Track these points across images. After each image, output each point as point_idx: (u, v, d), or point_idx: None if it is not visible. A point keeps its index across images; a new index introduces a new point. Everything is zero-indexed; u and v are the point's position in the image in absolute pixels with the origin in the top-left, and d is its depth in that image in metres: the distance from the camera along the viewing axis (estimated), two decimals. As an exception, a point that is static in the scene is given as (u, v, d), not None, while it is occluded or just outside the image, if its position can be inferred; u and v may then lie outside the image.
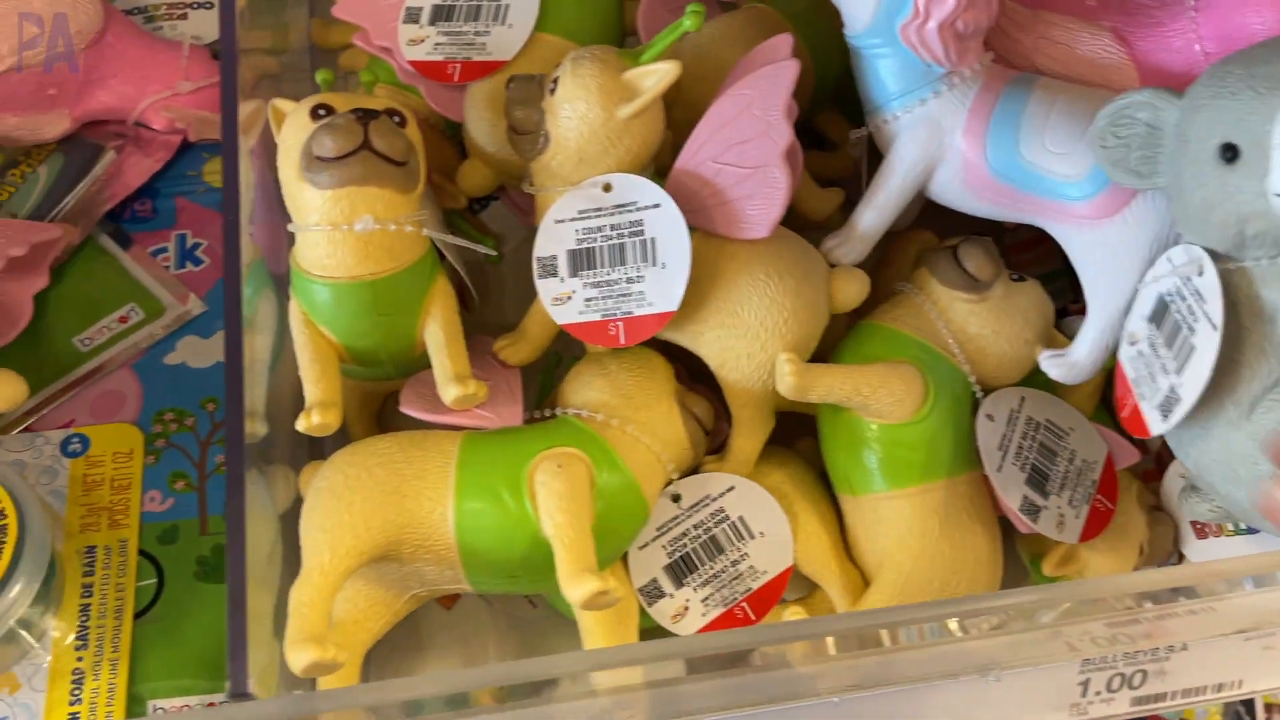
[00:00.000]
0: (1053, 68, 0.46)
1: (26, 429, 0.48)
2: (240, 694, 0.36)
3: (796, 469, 0.48)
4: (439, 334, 0.44)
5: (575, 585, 0.38)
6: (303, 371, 0.44)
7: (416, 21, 0.53)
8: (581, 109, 0.43)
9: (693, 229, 0.43)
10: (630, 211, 0.43)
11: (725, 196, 0.44)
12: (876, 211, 0.46)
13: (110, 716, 0.42)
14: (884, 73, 0.45)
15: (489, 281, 0.55)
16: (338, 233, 0.42)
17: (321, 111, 0.43)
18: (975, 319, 0.46)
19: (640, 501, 0.43)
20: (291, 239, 0.45)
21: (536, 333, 0.46)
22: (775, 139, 0.43)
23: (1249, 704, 0.87)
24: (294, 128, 0.43)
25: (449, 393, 0.43)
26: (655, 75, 0.43)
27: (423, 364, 0.47)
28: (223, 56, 0.45)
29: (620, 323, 0.43)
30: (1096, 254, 0.43)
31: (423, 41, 0.53)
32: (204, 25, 0.60)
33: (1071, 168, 0.43)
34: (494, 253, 0.47)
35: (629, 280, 0.43)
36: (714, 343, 0.44)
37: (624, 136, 0.43)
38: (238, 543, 0.38)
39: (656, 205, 0.43)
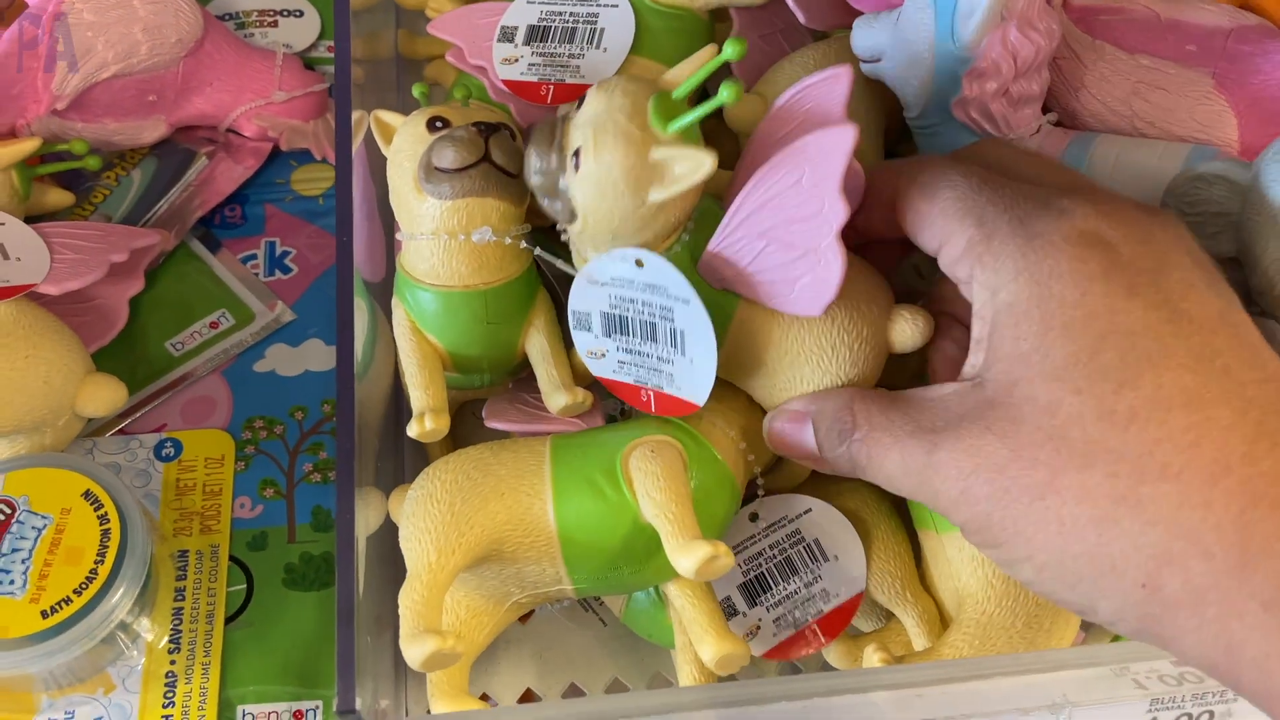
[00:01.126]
0: (1150, 112, 0.46)
1: (120, 431, 0.49)
2: (348, 711, 0.36)
3: (872, 496, 0.48)
4: (543, 343, 0.45)
5: (686, 553, 0.38)
6: (410, 379, 0.45)
7: (511, 41, 0.53)
8: (610, 196, 0.38)
9: (736, 297, 0.40)
10: (661, 295, 0.40)
11: (771, 276, 0.40)
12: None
13: (202, 718, 0.43)
14: (946, 149, 0.45)
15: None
16: (454, 242, 0.43)
17: (439, 124, 0.43)
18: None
19: (732, 487, 0.43)
20: (392, 249, 0.46)
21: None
22: (829, 219, 0.37)
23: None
24: (410, 139, 0.44)
25: (556, 401, 0.44)
26: (688, 164, 0.37)
27: (518, 373, 0.48)
28: (337, 67, 0.46)
29: (651, 393, 0.42)
30: None
31: (516, 61, 0.53)
32: (293, 33, 0.61)
33: None
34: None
35: (660, 359, 0.41)
36: (773, 399, 0.43)
37: (658, 215, 0.39)
38: (348, 554, 0.39)
39: (685, 301, 0.39)
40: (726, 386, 0.45)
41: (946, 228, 0.35)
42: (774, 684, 0.46)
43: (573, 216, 0.39)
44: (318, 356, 0.52)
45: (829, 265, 0.38)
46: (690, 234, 0.40)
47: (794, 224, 0.38)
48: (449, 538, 0.41)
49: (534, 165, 0.39)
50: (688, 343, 0.39)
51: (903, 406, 0.35)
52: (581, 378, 0.46)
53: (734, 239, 0.39)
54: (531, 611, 0.51)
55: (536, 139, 0.39)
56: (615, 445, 0.42)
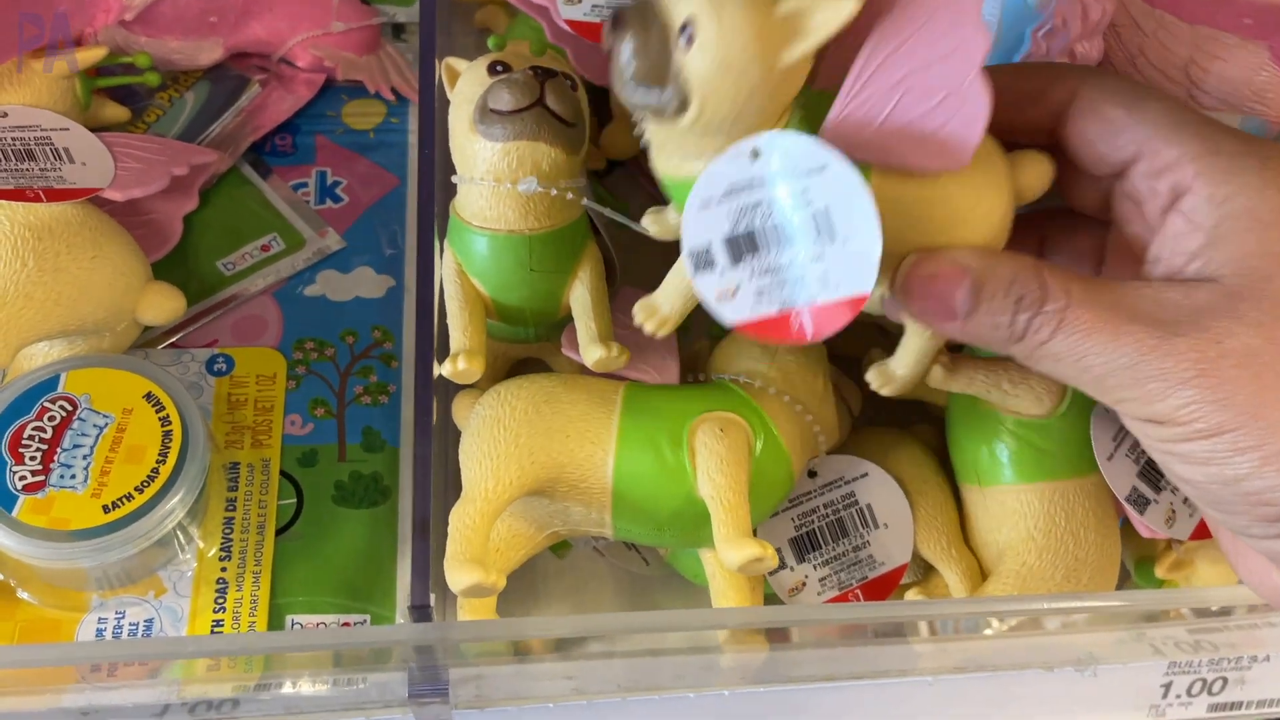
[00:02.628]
0: (1207, 81, 0.47)
1: (173, 345, 0.49)
2: (421, 606, 0.37)
3: (917, 452, 0.49)
4: (586, 296, 0.45)
5: (735, 549, 0.39)
6: (451, 319, 0.45)
7: (575, -19, 0.54)
8: (736, 67, 0.33)
9: (868, 167, 0.36)
10: (791, 177, 0.34)
11: (908, 129, 0.35)
12: None
13: (253, 626, 0.43)
14: None
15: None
16: (501, 187, 0.43)
17: (499, 68, 0.44)
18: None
19: (789, 473, 0.44)
20: (450, 191, 0.46)
21: (678, 307, 0.41)
22: (971, 52, 0.34)
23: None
24: (470, 82, 0.44)
25: (592, 354, 0.44)
26: (829, 8, 0.33)
27: (560, 328, 0.48)
28: (422, 8, 0.46)
29: (804, 314, 0.35)
30: None
31: (580, 1, 0.54)
32: (347, -31, 0.61)
33: None
34: (650, 229, 0.47)
35: (805, 262, 0.35)
36: None
37: (783, 86, 0.35)
38: (425, 453, 0.39)
39: (822, 168, 0.34)
40: (804, 368, 0.45)
41: (1155, 137, 0.36)
42: (812, 610, 0.47)
43: (683, 105, 0.34)
44: (368, 284, 0.52)
45: (975, 103, 0.34)
46: (799, 115, 0.36)
47: (931, 66, 0.35)
48: (509, 469, 0.41)
49: (629, 51, 0.33)
50: (835, 220, 0.34)
51: (1109, 290, 0.35)
52: (678, 314, 0.40)
53: (862, 98, 0.36)
54: (570, 546, 0.52)
55: (630, 21, 0.33)
56: (686, 413, 0.43)
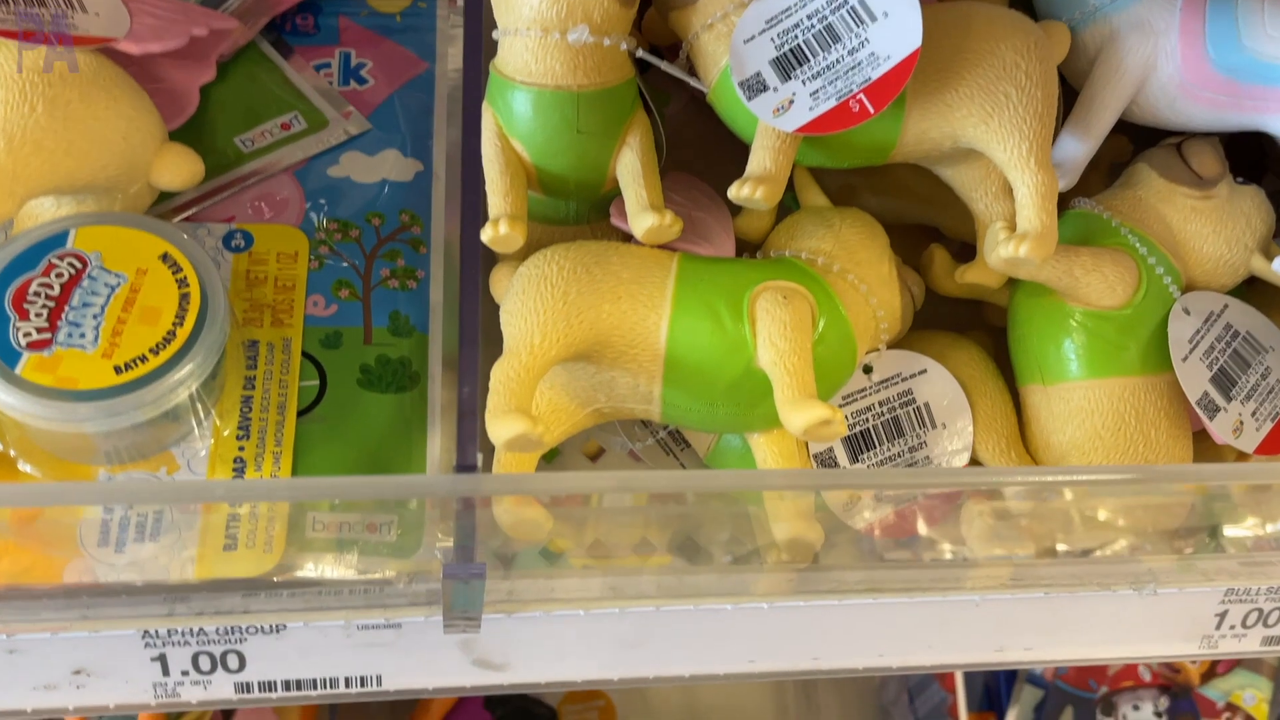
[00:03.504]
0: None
1: (187, 219, 0.46)
2: (468, 466, 0.34)
3: (976, 354, 0.46)
4: (635, 162, 0.42)
5: (800, 411, 0.36)
6: (490, 185, 0.42)
7: None
8: None
9: None
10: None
11: None
12: (1092, 137, 0.45)
13: (271, 509, 0.40)
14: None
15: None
16: (549, 38, 0.40)
17: None
18: (1198, 217, 0.45)
19: (853, 353, 0.41)
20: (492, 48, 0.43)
21: (780, 162, 0.42)
22: None
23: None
24: None
25: (643, 221, 0.41)
26: None
27: (606, 203, 0.45)
28: None
29: (861, 95, 0.40)
30: None
31: None
32: None
33: None
34: (705, 89, 0.45)
35: (852, 51, 0.40)
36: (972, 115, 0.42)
37: None
38: (472, 307, 0.36)
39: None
40: (869, 250, 0.43)
41: None
42: (862, 474, 0.44)
43: None
44: (395, 167, 0.49)
45: None
46: None
47: None
48: (556, 325, 0.38)
49: None
50: (871, 4, 0.40)
51: None
52: (783, 171, 0.42)
53: None
54: (603, 449, 0.49)
55: None
56: (747, 281, 0.40)
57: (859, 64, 0.40)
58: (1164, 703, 0.85)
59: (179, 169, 0.43)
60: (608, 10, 0.40)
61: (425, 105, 0.52)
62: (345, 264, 0.46)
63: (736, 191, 0.41)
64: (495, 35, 0.42)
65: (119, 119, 0.41)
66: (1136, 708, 0.85)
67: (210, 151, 0.48)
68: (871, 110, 0.40)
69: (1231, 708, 0.86)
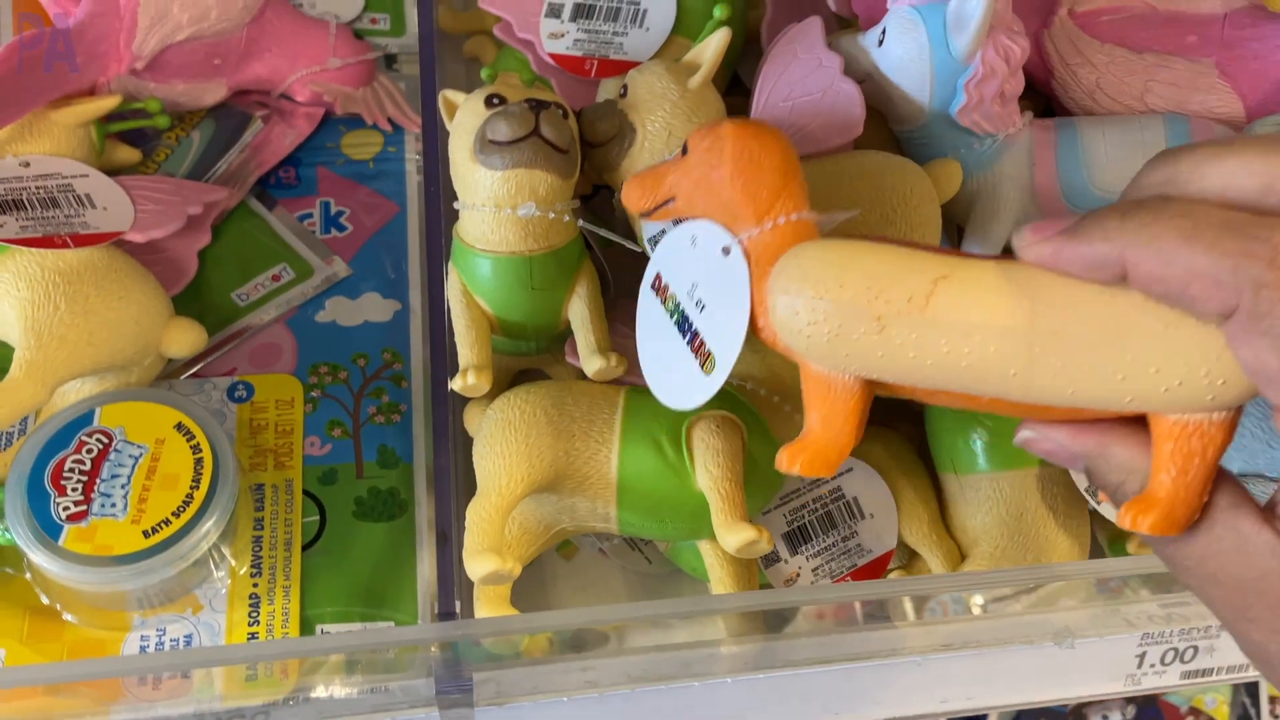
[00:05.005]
0: (1163, 106, 0.50)
1: (194, 375, 0.52)
2: (449, 614, 0.40)
3: (899, 446, 0.52)
4: (584, 310, 0.48)
5: (732, 532, 0.42)
6: (459, 337, 0.48)
7: (558, 17, 0.57)
8: (660, 88, 0.48)
9: None
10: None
11: (808, 122, 0.49)
12: (990, 245, 0.51)
13: (286, 636, 0.46)
14: (939, 154, 0.50)
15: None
16: (502, 213, 0.46)
17: (495, 100, 0.47)
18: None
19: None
20: (454, 216, 0.49)
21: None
22: (829, 64, 0.49)
23: (1254, 695, 0.93)
24: (470, 114, 0.47)
25: (592, 364, 0.47)
26: (713, 43, 0.49)
27: (560, 341, 0.51)
28: (421, 43, 0.49)
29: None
30: None
31: (563, 36, 0.57)
32: (340, 5, 0.64)
33: None
34: (639, 247, 0.51)
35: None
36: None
37: (701, 106, 0.48)
38: (443, 466, 0.42)
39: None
40: (794, 372, 0.49)
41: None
42: (802, 592, 0.50)
43: (633, 135, 0.48)
44: (376, 309, 0.55)
45: (847, 90, 0.48)
46: None
47: (806, 79, 0.49)
48: (520, 466, 0.44)
49: (593, 114, 0.49)
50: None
51: None
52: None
53: (766, 113, 0.50)
54: (576, 549, 0.55)
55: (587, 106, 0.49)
56: (683, 413, 0.46)
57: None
58: (1130, 711, 0.91)
59: (185, 340, 0.49)
60: (551, 186, 0.46)
61: (400, 246, 0.58)
62: (336, 405, 0.52)
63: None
64: (456, 206, 0.48)
65: (131, 305, 0.47)
66: (1105, 718, 0.91)
67: (210, 309, 0.54)
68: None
69: (1195, 711, 0.92)
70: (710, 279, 0.39)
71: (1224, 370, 0.28)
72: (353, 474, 0.51)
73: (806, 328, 0.33)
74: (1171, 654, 0.58)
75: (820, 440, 0.36)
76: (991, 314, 0.30)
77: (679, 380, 0.42)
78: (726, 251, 0.38)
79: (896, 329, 0.31)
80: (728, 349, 0.39)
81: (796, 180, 0.38)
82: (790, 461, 0.36)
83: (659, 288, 0.44)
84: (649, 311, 0.44)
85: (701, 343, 0.40)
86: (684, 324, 0.41)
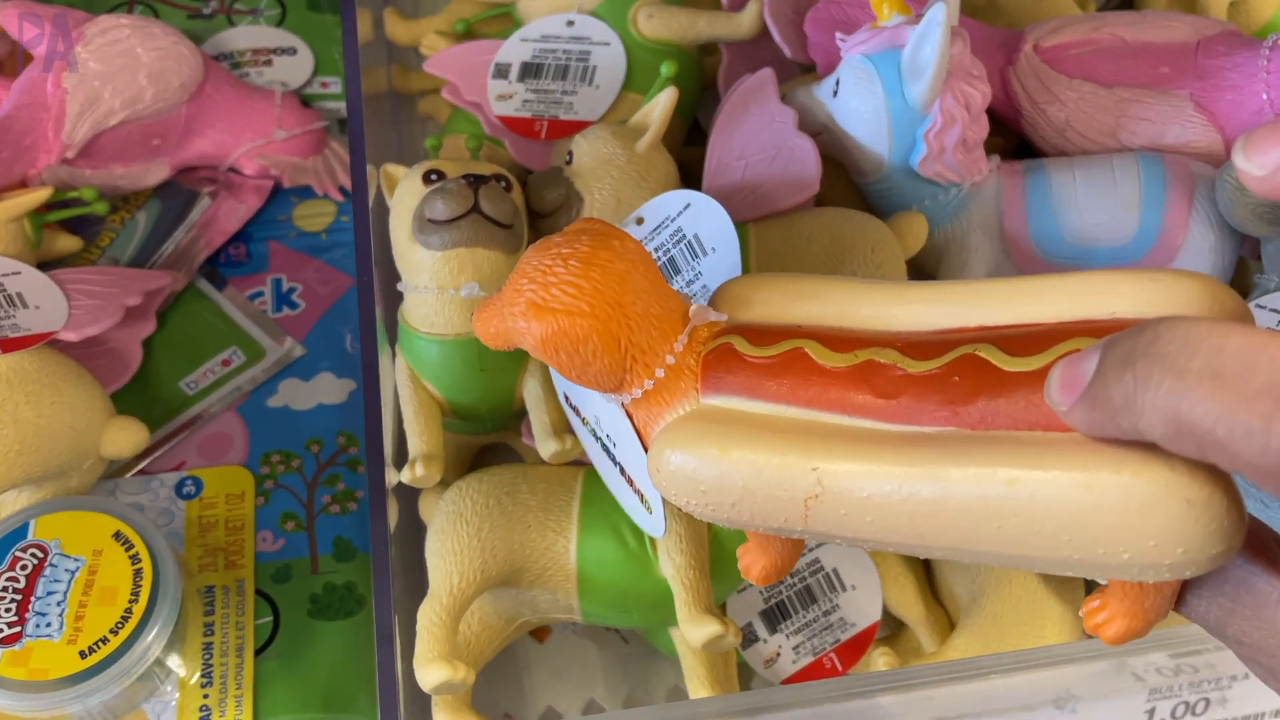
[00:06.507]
0: (1137, 143, 0.48)
1: (141, 472, 0.50)
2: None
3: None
4: (537, 390, 0.46)
5: (697, 626, 0.40)
6: (407, 425, 0.46)
7: (505, 77, 0.55)
8: (606, 154, 0.46)
9: (744, 225, 0.45)
10: (667, 228, 0.43)
11: (762, 181, 0.46)
12: None
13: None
14: (900, 206, 0.48)
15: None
16: (445, 294, 0.44)
17: (434, 176, 0.45)
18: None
19: None
20: (399, 298, 0.47)
21: None
22: (782, 120, 0.47)
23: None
24: (407, 192, 0.45)
25: (547, 447, 0.45)
26: (659, 104, 0.47)
27: (519, 418, 0.49)
28: (350, 119, 0.47)
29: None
30: None
31: (511, 98, 0.55)
32: (288, 71, 0.62)
33: (1115, 233, 0.45)
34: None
35: (688, 283, 0.43)
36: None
37: (649, 170, 0.46)
38: (383, 577, 0.40)
39: (687, 206, 0.43)
40: None
41: None
42: (784, 691, 0.47)
43: (580, 203, 0.46)
44: (329, 390, 0.53)
45: (802, 147, 0.46)
46: None
47: (760, 134, 0.47)
48: (472, 563, 0.42)
49: (539, 182, 0.46)
50: (705, 242, 0.43)
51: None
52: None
53: (719, 175, 0.48)
54: (550, 630, 0.52)
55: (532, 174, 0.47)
56: None
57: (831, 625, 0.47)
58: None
59: (125, 441, 0.47)
60: (495, 263, 0.44)
61: (355, 321, 0.56)
62: (289, 495, 0.50)
63: None
64: (399, 287, 0.46)
65: (65, 411, 0.45)
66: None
67: (156, 401, 0.52)
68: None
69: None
70: (607, 420, 0.37)
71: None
72: (307, 569, 0.48)
73: (701, 518, 0.31)
74: (1183, 708, 0.55)
75: (765, 557, 0.33)
76: (875, 531, 0.28)
77: (634, 511, 0.40)
78: (606, 398, 0.35)
79: (789, 532, 0.29)
80: (653, 495, 0.37)
81: (645, 326, 0.32)
82: (745, 574, 0.34)
83: (572, 406, 0.42)
84: (578, 426, 0.42)
85: (630, 478, 0.38)
86: (609, 454, 0.39)
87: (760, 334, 0.31)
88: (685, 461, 0.30)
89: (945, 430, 0.27)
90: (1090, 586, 0.52)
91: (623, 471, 0.38)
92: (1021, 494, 0.25)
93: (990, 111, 0.47)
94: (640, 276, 0.32)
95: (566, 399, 0.41)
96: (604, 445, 0.39)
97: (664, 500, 0.43)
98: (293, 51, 0.63)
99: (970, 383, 0.27)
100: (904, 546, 0.28)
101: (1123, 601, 0.27)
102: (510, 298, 0.33)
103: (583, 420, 0.40)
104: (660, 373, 0.32)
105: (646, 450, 0.33)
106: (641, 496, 0.38)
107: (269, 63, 0.62)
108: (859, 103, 0.46)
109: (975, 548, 0.27)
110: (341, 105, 0.62)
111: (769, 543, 0.33)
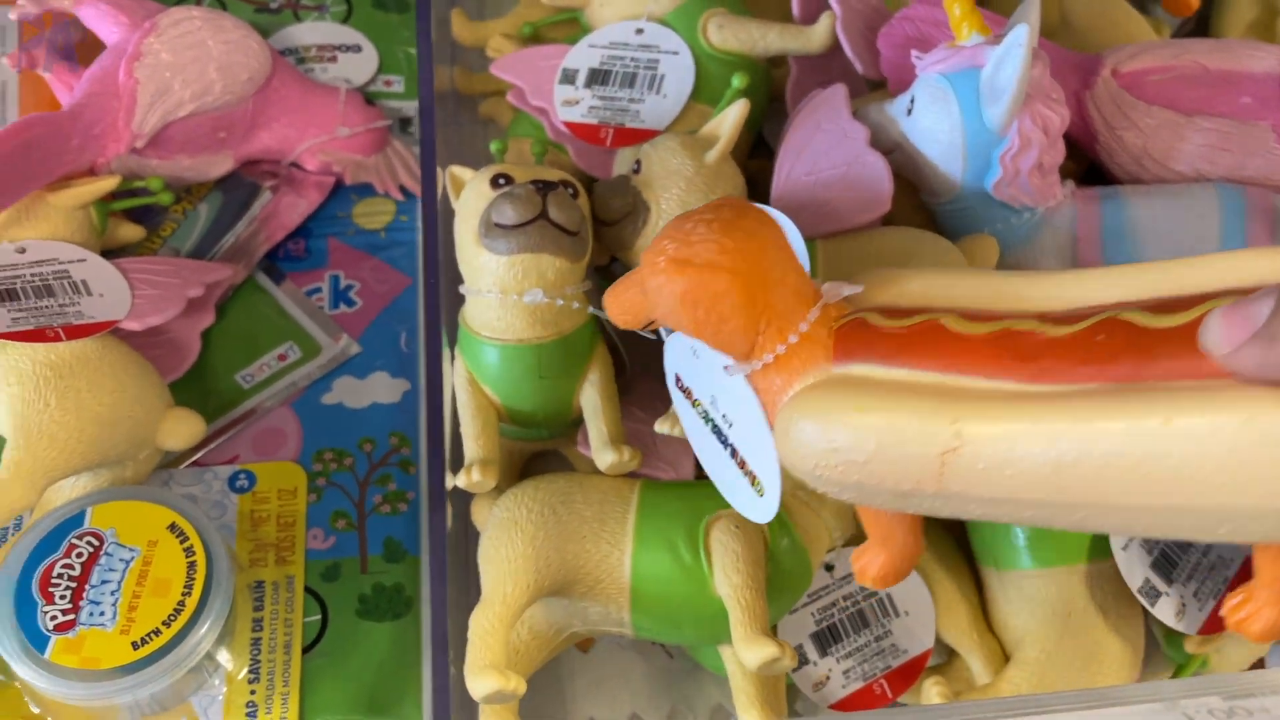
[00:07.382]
0: (1216, 174, 0.47)
1: (194, 463, 0.50)
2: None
3: (936, 537, 0.49)
4: (596, 399, 0.46)
5: (752, 648, 0.39)
6: (464, 428, 0.46)
7: (572, 83, 0.55)
8: (674, 164, 0.46)
9: (813, 241, 0.45)
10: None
11: (832, 197, 0.46)
12: None
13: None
14: (974, 228, 0.47)
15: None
16: (508, 299, 0.44)
17: (501, 181, 0.45)
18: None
19: (807, 567, 0.44)
20: (460, 300, 0.47)
21: None
22: (854, 136, 0.46)
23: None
24: (474, 195, 0.45)
25: (604, 458, 0.45)
26: (730, 116, 0.47)
27: (574, 426, 0.48)
28: (421, 120, 0.47)
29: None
30: None
31: (577, 104, 0.54)
32: (352, 68, 0.62)
33: None
34: (652, 336, 0.48)
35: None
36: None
37: (718, 181, 0.46)
38: (440, 583, 0.40)
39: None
40: None
41: None
42: (835, 719, 0.47)
43: (647, 214, 0.46)
44: (384, 389, 0.53)
45: (874, 164, 0.45)
46: None
47: (831, 151, 0.46)
48: (526, 572, 0.42)
49: (606, 190, 0.47)
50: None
51: None
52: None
53: (789, 186, 0.47)
54: (593, 641, 0.52)
55: (598, 181, 0.49)
56: (702, 511, 0.43)
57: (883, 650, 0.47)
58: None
59: (183, 433, 0.47)
60: (560, 270, 0.44)
61: (411, 321, 0.55)
62: (341, 494, 0.50)
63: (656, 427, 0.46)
64: (462, 290, 0.46)
65: (125, 400, 0.45)
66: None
67: (213, 393, 0.52)
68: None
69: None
70: (726, 396, 0.36)
71: None
72: (357, 569, 0.48)
73: (824, 488, 0.31)
74: (1235, 753, 0.54)
75: (885, 553, 0.33)
76: (1013, 488, 0.27)
77: (739, 498, 0.40)
78: (728, 369, 0.35)
79: (917, 500, 0.29)
80: (769, 475, 0.36)
81: (782, 293, 0.32)
82: (860, 577, 0.35)
83: (683, 389, 0.41)
84: (684, 411, 0.42)
85: (743, 460, 0.38)
86: (720, 435, 0.39)
87: (894, 311, 0.31)
88: (818, 424, 0.30)
89: (1089, 386, 0.26)
90: (1153, 630, 0.51)
91: (734, 454, 0.38)
92: (1177, 433, 0.25)
93: (1064, 136, 0.46)
94: (778, 248, 0.32)
95: (678, 380, 0.40)
96: (715, 427, 0.38)
97: (727, 514, 0.42)
98: (357, 49, 0.63)
99: (1115, 342, 0.27)
100: (1043, 505, 0.27)
101: (1272, 587, 0.27)
102: (650, 261, 0.34)
103: (694, 403, 0.40)
104: (793, 338, 0.32)
105: (771, 423, 0.33)
106: (754, 479, 0.37)
107: (333, 59, 0.62)
108: (934, 122, 0.45)
109: (1121, 500, 0.26)
110: (404, 104, 0.62)
111: (889, 537, 0.33)
